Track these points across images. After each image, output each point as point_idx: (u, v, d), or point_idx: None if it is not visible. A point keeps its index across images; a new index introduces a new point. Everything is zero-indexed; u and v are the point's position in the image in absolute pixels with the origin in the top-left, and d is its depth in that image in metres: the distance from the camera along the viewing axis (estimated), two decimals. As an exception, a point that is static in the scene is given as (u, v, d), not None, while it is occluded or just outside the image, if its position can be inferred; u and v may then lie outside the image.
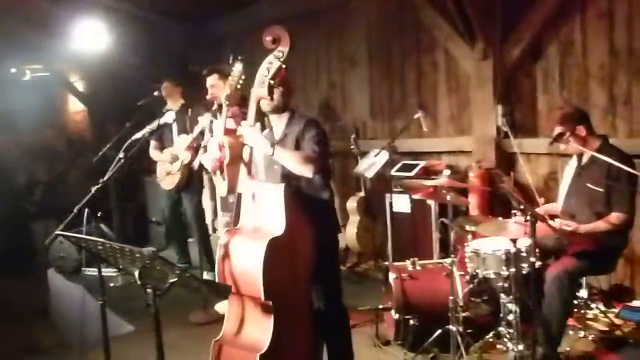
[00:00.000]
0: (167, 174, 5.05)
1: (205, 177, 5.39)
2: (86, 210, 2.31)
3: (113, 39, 6.14)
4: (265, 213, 2.68)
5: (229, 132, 4.01)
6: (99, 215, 2.47)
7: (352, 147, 5.54)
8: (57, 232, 2.08)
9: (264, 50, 2.75)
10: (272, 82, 2.74)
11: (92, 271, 5.63)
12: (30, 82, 8.96)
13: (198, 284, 2.11)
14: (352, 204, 5.48)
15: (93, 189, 2.37)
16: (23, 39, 7.21)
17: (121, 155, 2.64)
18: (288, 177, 2.82)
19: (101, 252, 2.08)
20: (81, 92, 9.13)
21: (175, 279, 2.01)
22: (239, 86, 3.10)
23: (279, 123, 2.93)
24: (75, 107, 9.83)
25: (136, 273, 2.10)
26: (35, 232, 7.37)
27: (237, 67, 2.99)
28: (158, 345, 2.18)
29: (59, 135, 9.49)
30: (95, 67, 7.98)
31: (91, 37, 6.00)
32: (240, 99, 4.02)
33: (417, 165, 5.02)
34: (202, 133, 4.63)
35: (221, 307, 4.37)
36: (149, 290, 2.09)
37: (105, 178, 2.48)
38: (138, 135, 2.86)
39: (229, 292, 2.39)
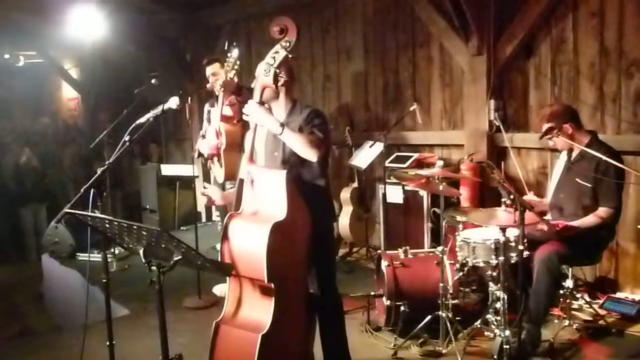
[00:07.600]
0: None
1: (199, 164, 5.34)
2: (92, 191, 2.36)
3: (108, 26, 6.14)
4: (267, 198, 2.72)
5: (225, 118, 4.07)
6: (105, 195, 2.49)
7: (346, 138, 5.62)
8: (66, 210, 2.13)
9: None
10: (277, 70, 2.78)
11: (86, 256, 5.64)
12: (24, 68, 8.96)
13: (202, 261, 2.16)
14: (345, 194, 5.55)
15: (99, 170, 2.41)
16: (17, 25, 7.19)
17: (126, 138, 2.68)
18: (288, 164, 2.88)
19: (108, 230, 2.14)
20: (75, 79, 9.12)
21: (180, 256, 2.06)
22: (234, 71, 3.14)
23: (280, 112, 2.95)
24: (69, 94, 9.84)
25: (141, 251, 2.16)
26: (24, 217, 7.40)
27: (233, 53, 3.03)
28: (161, 322, 2.24)
29: (51, 122, 9.49)
30: (90, 54, 7.99)
31: (86, 25, 6.00)
32: (236, 88, 4.09)
33: (410, 157, 5.10)
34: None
35: (219, 289, 4.43)
36: (153, 268, 2.14)
37: (111, 160, 2.52)
38: (142, 119, 2.91)
39: (232, 271, 2.46)
